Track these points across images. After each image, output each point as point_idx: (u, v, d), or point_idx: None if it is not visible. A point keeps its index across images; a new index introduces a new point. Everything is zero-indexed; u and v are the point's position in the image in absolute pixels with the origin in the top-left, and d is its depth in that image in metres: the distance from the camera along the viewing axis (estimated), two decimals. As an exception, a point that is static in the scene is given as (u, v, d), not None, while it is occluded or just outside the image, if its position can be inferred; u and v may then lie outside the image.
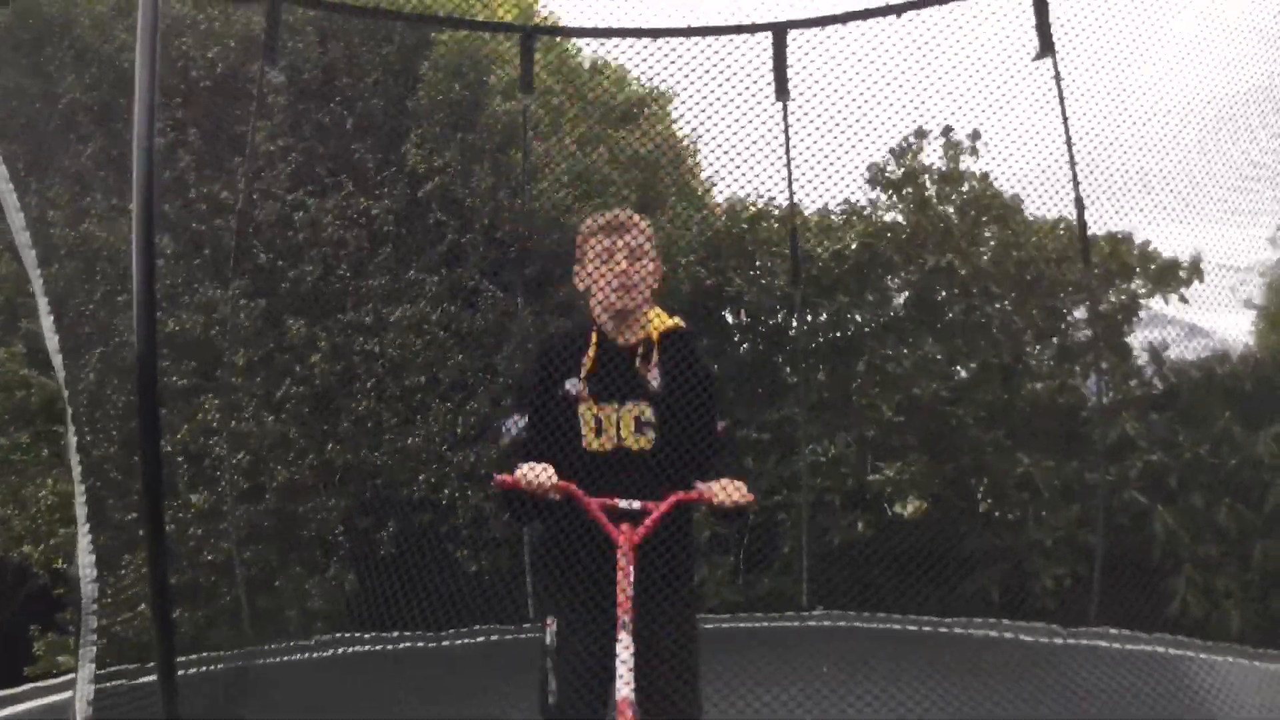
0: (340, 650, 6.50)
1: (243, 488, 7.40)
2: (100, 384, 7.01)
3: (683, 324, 3.47)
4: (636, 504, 3.17)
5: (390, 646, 6.59)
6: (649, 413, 3.32)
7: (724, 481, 3.18)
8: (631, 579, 3.05)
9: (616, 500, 3.16)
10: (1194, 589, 6.76)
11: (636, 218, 3.44)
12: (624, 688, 2.93)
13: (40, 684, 6.02)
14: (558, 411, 3.34)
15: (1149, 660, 5.83)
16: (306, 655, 6.46)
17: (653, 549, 3.16)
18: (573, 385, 3.35)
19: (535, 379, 3.45)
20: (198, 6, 7.56)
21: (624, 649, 2.97)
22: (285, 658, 6.47)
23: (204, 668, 5.97)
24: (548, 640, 3.32)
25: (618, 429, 3.33)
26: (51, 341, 4.62)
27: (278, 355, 7.68)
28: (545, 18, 8.11)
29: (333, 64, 7.92)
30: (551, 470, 3.14)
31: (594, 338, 3.37)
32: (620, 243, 3.35)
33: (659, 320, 3.43)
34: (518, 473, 3.12)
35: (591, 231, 3.42)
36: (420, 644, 6.56)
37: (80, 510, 4.46)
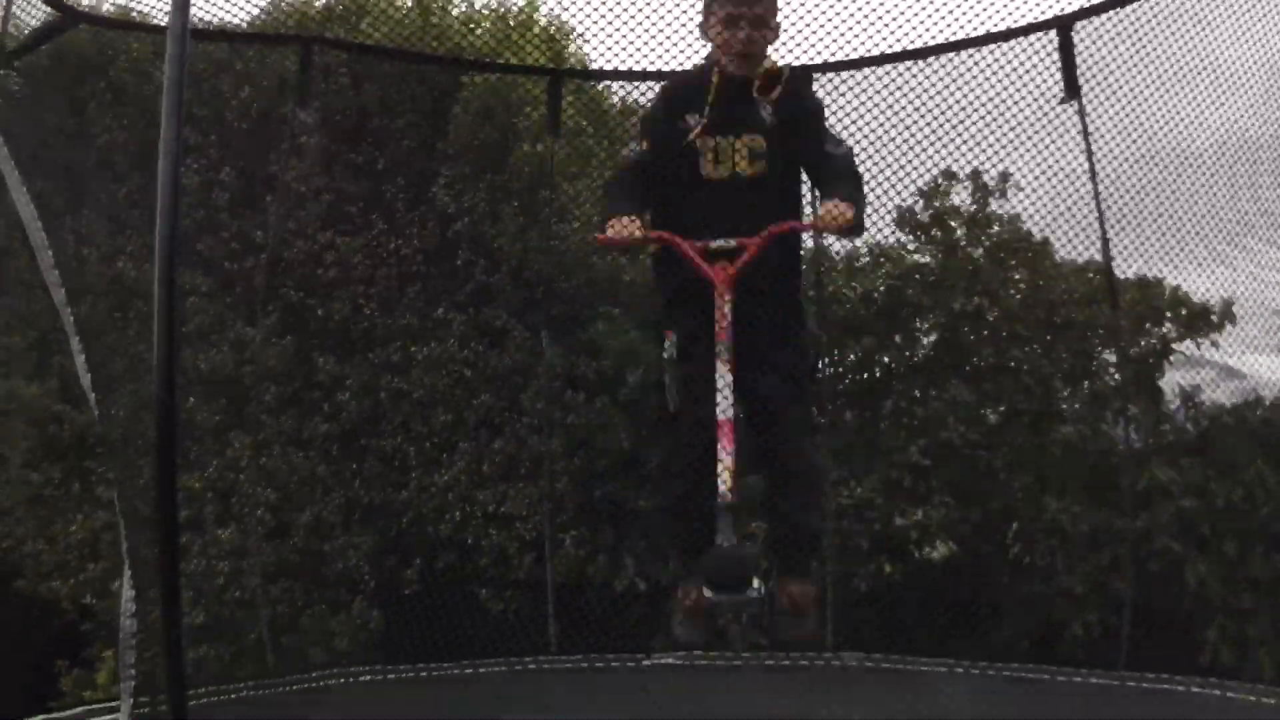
0: (362, 679, 6.49)
1: (270, 525, 7.42)
2: (132, 420, 7.06)
3: (797, 67, 3.94)
4: (732, 241, 3.46)
5: (408, 675, 6.56)
6: (762, 144, 3.61)
7: (828, 205, 3.45)
8: (728, 313, 3.37)
9: (709, 242, 3.46)
10: (1225, 638, 6.65)
11: None
12: (724, 406, 3.29)
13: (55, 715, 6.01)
14: (677, 141, 3.64)
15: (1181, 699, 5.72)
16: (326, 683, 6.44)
17: (758, 286, 3.49)
18: (693, 118, 3.65)
19: (659, 111, 3.81)
20: (233, 49, 7.67)
21: (721, 378, 3.31)
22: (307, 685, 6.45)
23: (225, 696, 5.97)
24: (665, 353, 3.71)
25: (733, 158, 3.62)
26: (85, 379, 4.69)
27: (306, 393, 7.73)
28: (575, 60, 8.17)
29: (365, 105, 8.02)
30: (638, 222, 3.50)
31: (716, 76, 3.66)
32: (748, 11, 3.60)
33: (773, 63, 3.71)
34: (607, 229, 3.49)
35: None
36: (440, 672, 6.53)
37: (124, 543, 4.53)
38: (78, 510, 8.14)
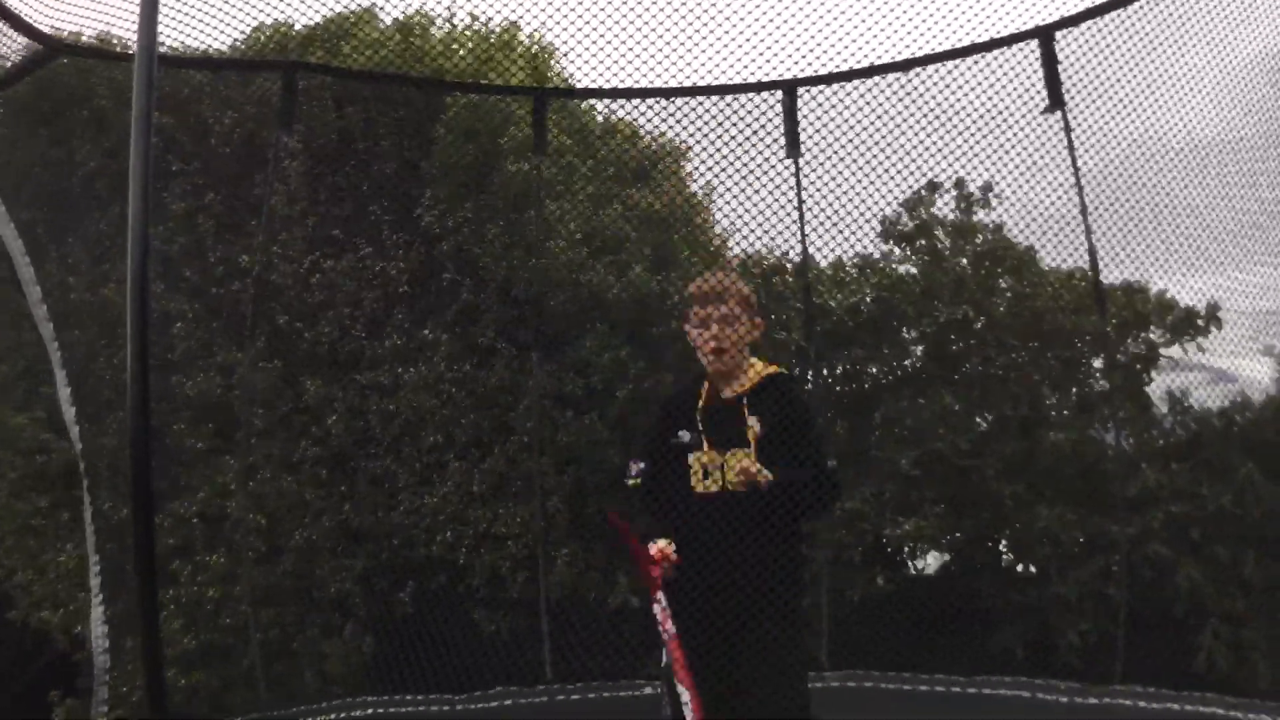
0: (354, 713, 6.45)
1: (260, 549, 7.40)
2: (119, 448, 7.04)
3: (783, 370, 3.94)
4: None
5: (407, 709, 6.52)
6: (751, 460, 3.62)
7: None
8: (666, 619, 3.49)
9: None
10: (1220, 643, 6.65)
11: (730, 283, 3.87)
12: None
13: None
14: (671, 457, 3.76)
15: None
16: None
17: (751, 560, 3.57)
18: (684, 434, 3.77)
19: (655, 429, 3.94)
20: (215, 75, 7.67)
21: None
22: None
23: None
24: (630, 482, 3.91)
25: (723, 474, 3.67)
26: (69, 413, 4.67)
27: (295, 416, 7.71)
28: (558, 78, 8.18)
29: (348, 128, 8.02)
30: (671, 547, 3.58)
31: (704, 390, 3.83)
32: (715, 312, 3.80)
33: (757, 371, 3.88)
34: (655, 556, 3.56)
35: (690, 300, 3.89)
36: (436, 708, 6.49)
37: (94, 580, 4.47)
38: (67, 540, 8.09)
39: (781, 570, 3.64)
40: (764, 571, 3.56)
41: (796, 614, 3.78)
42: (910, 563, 8.04)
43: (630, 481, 3.90)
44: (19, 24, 5.05)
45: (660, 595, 3.53)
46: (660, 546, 3.59)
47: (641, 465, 3.89)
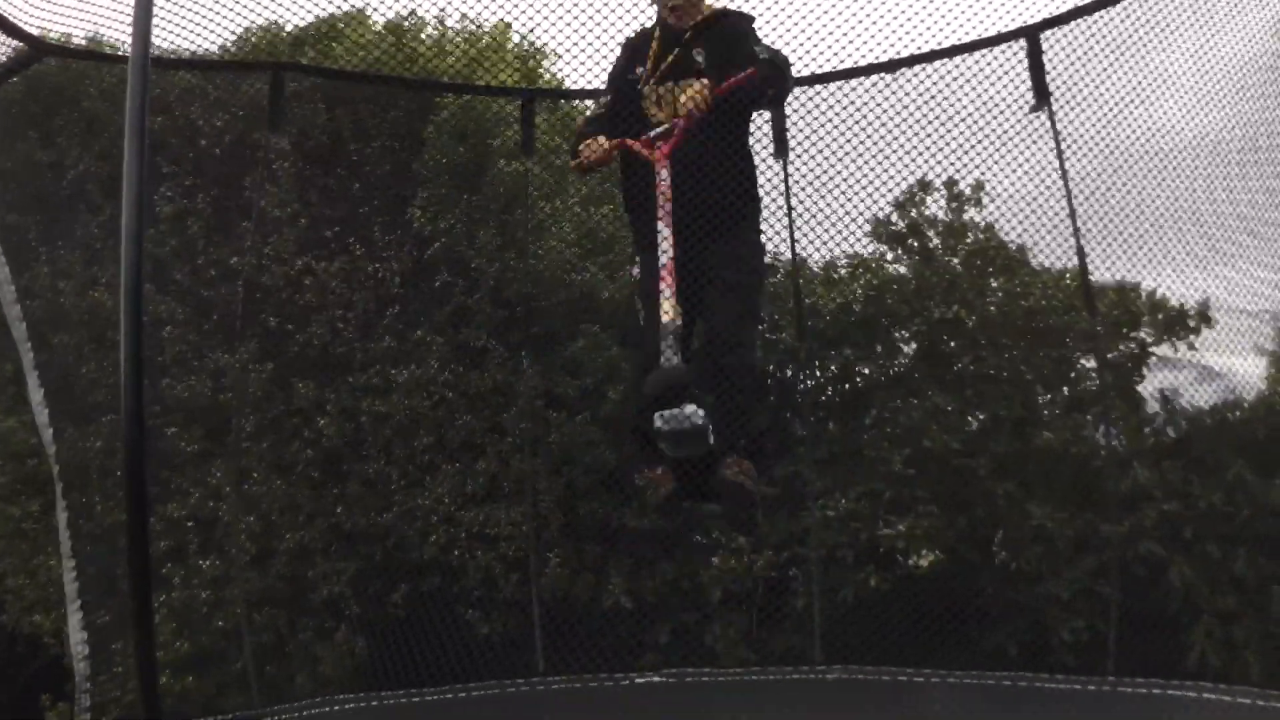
0: (347, 706, 6.44)
1: (252, 552, 7.38)
2: (109, 451, 7.02)
3: (729, 8, 4.32)
4: (664, 125, 3.95)
5: (401, 701, 6.51)
6: (701, 88, 3.96)
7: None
8: (666, 180, 3.84)
9: (648, 135, 3.95)
10: (1212, 640, 6.65)
11: None
12: (663, 254, 3.75)
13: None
14: (630, 93, 4.14)
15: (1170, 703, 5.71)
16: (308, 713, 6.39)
17: (704, 161, 4.00)
18: (641, 69, 4.16)
19: (620, 63, 4.36)
20: (205, 77, 7.65)
21: (663, 228, 3.77)
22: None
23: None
24: (635, 274, 4.30)
25: (674, 104, 4.04)
26: (41, 416, 4.65)
27: (286, 419, 7.70)
28: (548, 79, 8.18)
29: (338, 130, 8.01)
30: (602, 138, 3.99)
31: (657, 31, 4.18)
32: None
33: (709, 6, 4.22)
34: (580, 152, 4.02)
35: None
36: (431, 697, 6.48)
37: (70, 588, 4.45)
38: (58, 544, 8.07)
39: (736, 184, 4.13)
40: (722, 188, 4.01)
41: (754, 219, 4.36)
42: (904, 562, 8.04)
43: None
44: (3, 24, 5.04)
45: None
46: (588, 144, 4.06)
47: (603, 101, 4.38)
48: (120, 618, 6.10)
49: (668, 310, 3.69)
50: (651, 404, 3.67)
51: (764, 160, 6.26)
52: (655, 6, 4.34)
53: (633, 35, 4.54)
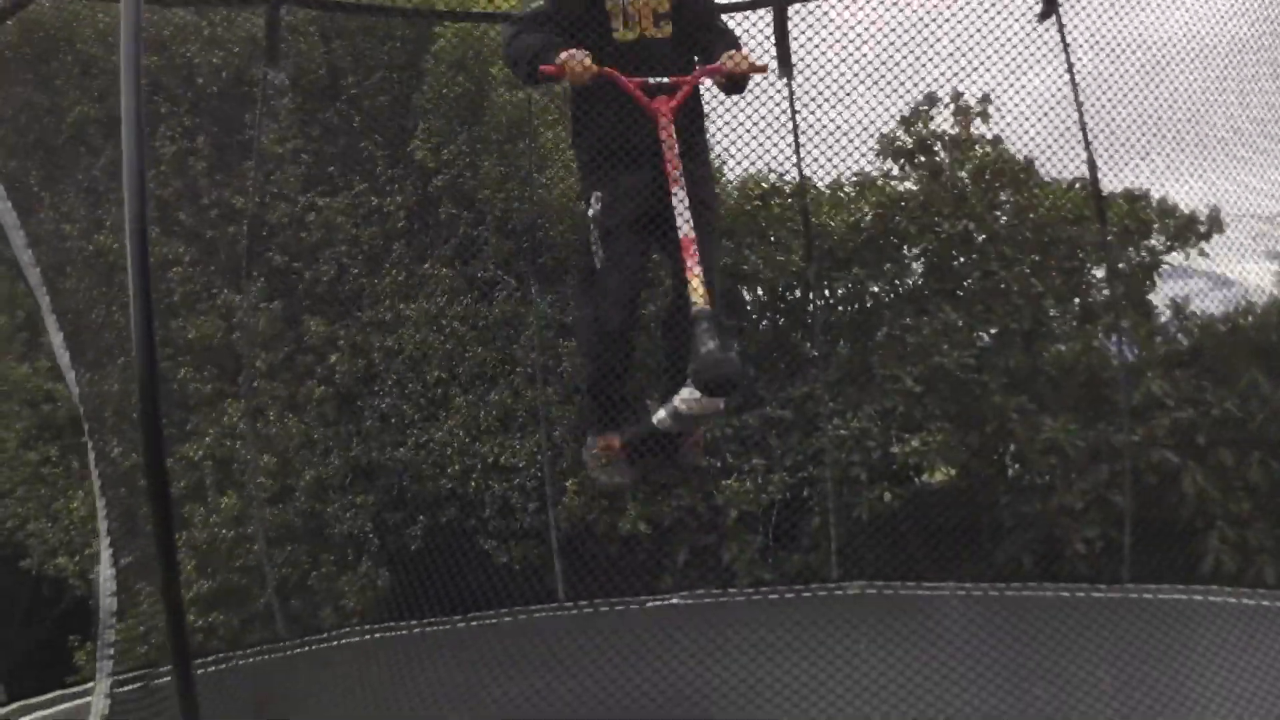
0: (372, 636, 6.55)
1: (271, 490, 7.44)
2: (124, 394, 7.04)
3: None
4: (666, 79, 3.80)
5: (425, 629, 6.61)
6: (666, 5, 3.92)
7: (732, 53, 3.85)
8: (674, 140, 3.66)
9: (647, 79, 3.76)
10: (1226, 545, 6.70)
11: None
12: (684, 226, 3.57)
13: (66, 691, 6.06)
14: (594, 7, 3.89)
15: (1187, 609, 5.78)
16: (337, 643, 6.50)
17: (679, 119, 3.76)
18: None
19: None
20: (200, 13, 7.55)
21: (678, 200, 3.59)
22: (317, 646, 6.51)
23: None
24: (591, 210, 3.95)
25: (640, 22, 3.91)
26: (63, 359, 4.65)
27: (298, 356, 7.72)
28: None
29: (337, 63, 7.92)
30: (590, 57, 3.69)
31: None
32: None
33: None
34: (561, 59, 3.66)
35: None
36: (451, 625, 6.58)
37: (102, 524, 4.48)
38: (79, 487, 8.14)
39: (695, 102, 4.00)
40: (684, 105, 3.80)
41: (704, 131, 4.21)
42: (917, 479, 8.08)
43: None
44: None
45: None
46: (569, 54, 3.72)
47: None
48: (142, 559, 6.17)
49: (698, 290, 3.47)
50: (700, 384, 3.52)
51: (769, 80, 6.17)
52: None
53: None
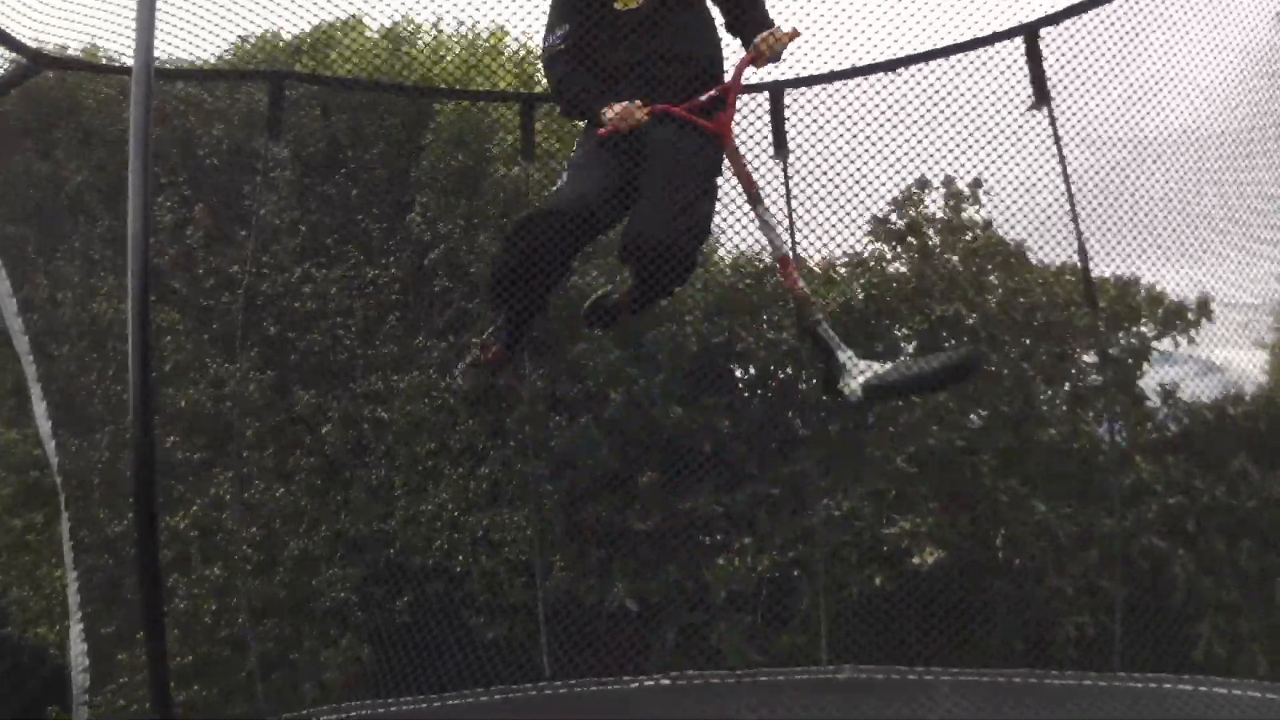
0: (352, 715, 6.43)
1: (256, 560, 7.38)
2: (113, 462, 7.02)
3: None
4: (713, 91, 3.85)
5: (406, 708, 6.50)
6: None
7: (764, 35, 3.84)
8: (742, 159, 3.86)
9: (698, 100, 3.79)
10: (1217, 633, 6.67)
11: None
12: (784, 246, 3.93)
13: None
14: (593, 12, 3.87)
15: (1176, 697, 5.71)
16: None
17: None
18: None
19: None
20: (203, 86, 7.65)
21: (762, 216, 3.79)
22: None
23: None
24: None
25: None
26: (44, 427, 4.63)
27: (288, 426, 7.70)
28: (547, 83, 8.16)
29: (337, 137, 8.01)
30: (638, 109, 3.68)
31: None
32: None
33: None
34: (612, 118, 3.67)
35: None
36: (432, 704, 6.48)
37: (72, 599, 4.43)
38: (62, 555, 8.07)
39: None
40: (686, 71, 3.85)
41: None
42: (908, 560, 8.04)
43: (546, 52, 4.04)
44: (2, 38, 5.04)
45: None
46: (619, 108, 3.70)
47: (560, 31, 4.00)
48: (124, 628, 6.10)
49: (811, 303, 3.69)
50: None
51: (763, 161, 6.26)
52: None
53: None
